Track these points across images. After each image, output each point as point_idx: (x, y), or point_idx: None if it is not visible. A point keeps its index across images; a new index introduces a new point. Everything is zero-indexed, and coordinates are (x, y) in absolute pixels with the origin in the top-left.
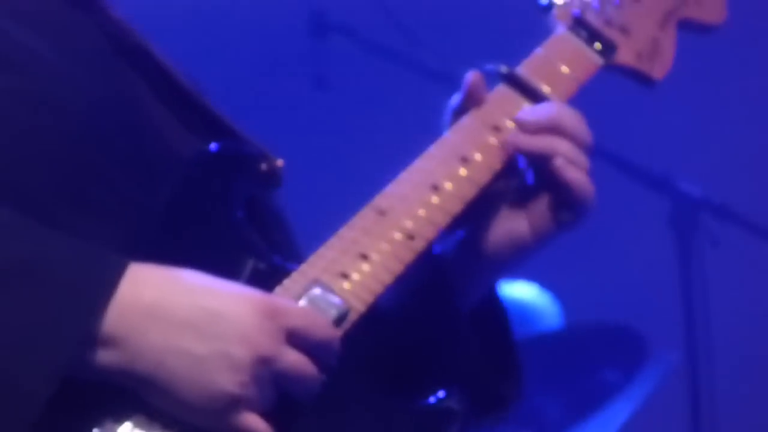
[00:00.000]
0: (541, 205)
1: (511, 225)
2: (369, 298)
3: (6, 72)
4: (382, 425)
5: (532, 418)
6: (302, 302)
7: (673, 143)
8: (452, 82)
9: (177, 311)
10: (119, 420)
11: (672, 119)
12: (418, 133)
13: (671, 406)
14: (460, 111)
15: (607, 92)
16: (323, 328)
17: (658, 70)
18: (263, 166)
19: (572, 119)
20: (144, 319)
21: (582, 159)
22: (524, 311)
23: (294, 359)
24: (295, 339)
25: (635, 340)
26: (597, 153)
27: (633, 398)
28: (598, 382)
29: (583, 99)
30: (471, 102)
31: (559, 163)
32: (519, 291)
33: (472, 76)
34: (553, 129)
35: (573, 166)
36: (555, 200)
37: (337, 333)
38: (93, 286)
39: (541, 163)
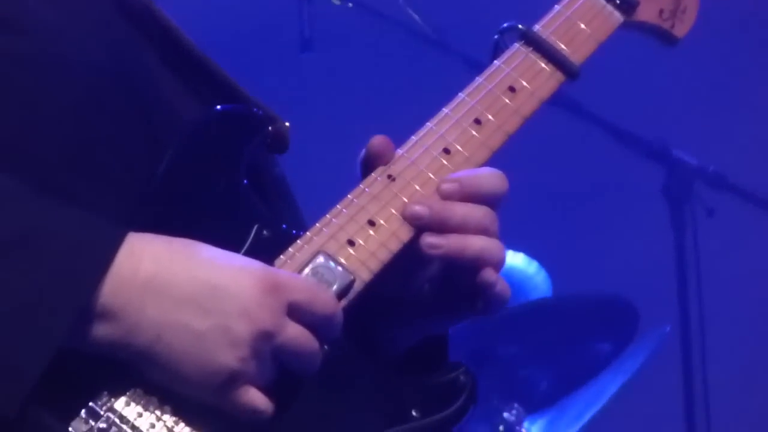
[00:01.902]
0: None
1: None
2: (376, 267)
3: (15, 34)
4: (389, 398)
5: (521, 389)
6: (306, 271)
7: (668, 111)
8: (441, 44)
9: (176, 284)
10: (116, 394)
11: (667, 87)
12: (405, 93)
13: (663, 377)
14: (367, 165)
15: (603, 59)
16: (326, 301)
17: (680, 28)
18: (270, 128)
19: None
20: (141, 293)
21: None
22: (510, 279)
23: (295, 334)
24: (297, 313)
25: (627, 311)
26: (592, 121)
27: (625, 369)
28: (589, 353)
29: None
30: (376, 163)
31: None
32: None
33: (375, 142)
34: (463, 226)
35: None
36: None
37: (339, 306)
38: (89, 258)
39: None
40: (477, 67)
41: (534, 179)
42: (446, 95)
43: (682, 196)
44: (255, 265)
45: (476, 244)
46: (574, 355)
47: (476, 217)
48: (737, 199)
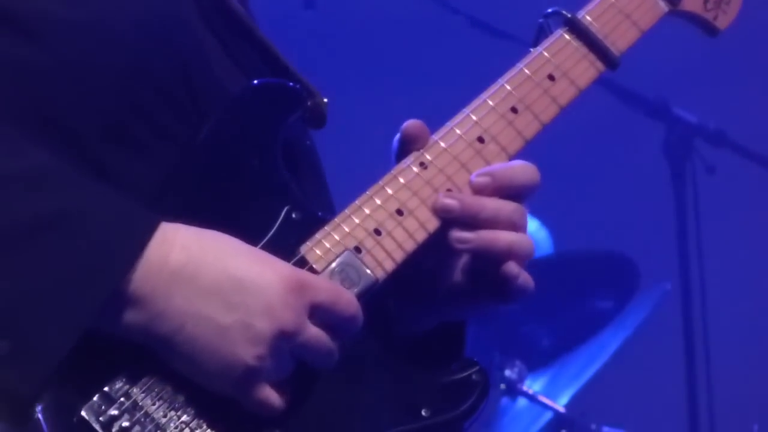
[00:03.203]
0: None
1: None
2: (400, 258)
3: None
4: (401, 396)
5: (522, 347)
6: (332, 267)
7: (669, 69)
8: (444, 2)
9: (203, 277)
10: (132, 381)
11: (667, 45)
12: (405, 51)
13: (664, 333)
14: (401, 157)
15: None
16: (348, 304)
17: (723, 20)
18: (309, 103)
19: (515, 209)
20: (169, 282)
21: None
22: None
23: (315, 334)
24: (320, 314)
25: (628, 268)
26: None
27: (625, 326)
28: (590, 311)
29: None
30: (411, 148)
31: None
32: None
33: (410, 127)
34: (495, 220)
35: (514, 263)
36: (494, 284)
37: (360, 309)
38: (122, 244)
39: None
40: (478, 26)
41: (534, 138)
42: (450, 56)
43: (683, 153)
44: (281, 264)
45: (505, 239)
46: (575, 312)
47: (506, 212)
48: (738, 157)
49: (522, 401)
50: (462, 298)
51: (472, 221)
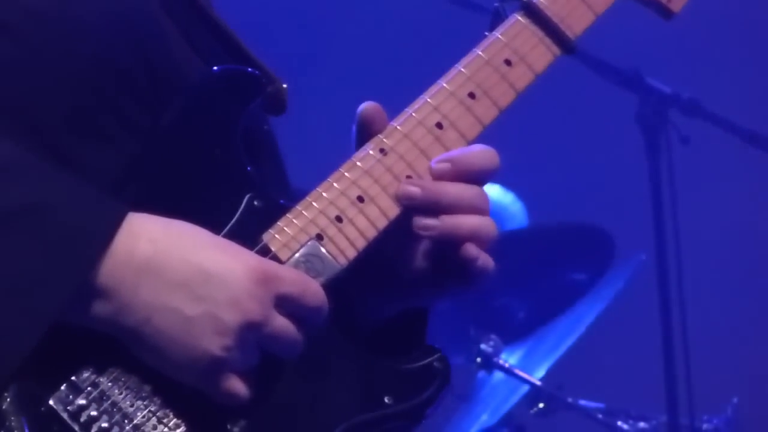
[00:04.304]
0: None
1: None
2: (361, 246)
3: None
4: (364, 383)
5: (497, 320)
6: (296, 257)
7: (642, 39)
8: None
9: (170, 268)
10: (99, 371)
11: (640, 13)
12: (370, 32)
13: (640, 305)
14: (360, 141)
15: None
16: (314, 294)
17: (677, 2)
18: (269, 89)
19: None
20: (136, 275)
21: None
22: None
23: (281, 325)
24: (286, 304)
25: (603, 240)
26: None
27: (601, 298)
28: (565, 283)
29: None
30: (369, 131)
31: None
32: None
33: (366, 110)
34: (458, 206)
35: (473, 245)
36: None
37: (326, 299)
38: (89, 237)
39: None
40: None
41: (507, 110)
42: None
43: (657, 124)
44: (248, 255)
45: (469, 223)
46: (550, 284)
47: (468, 196)
48: (712, 127)
49: (498, 375)
50: (424, 283)
51: (434, 207)
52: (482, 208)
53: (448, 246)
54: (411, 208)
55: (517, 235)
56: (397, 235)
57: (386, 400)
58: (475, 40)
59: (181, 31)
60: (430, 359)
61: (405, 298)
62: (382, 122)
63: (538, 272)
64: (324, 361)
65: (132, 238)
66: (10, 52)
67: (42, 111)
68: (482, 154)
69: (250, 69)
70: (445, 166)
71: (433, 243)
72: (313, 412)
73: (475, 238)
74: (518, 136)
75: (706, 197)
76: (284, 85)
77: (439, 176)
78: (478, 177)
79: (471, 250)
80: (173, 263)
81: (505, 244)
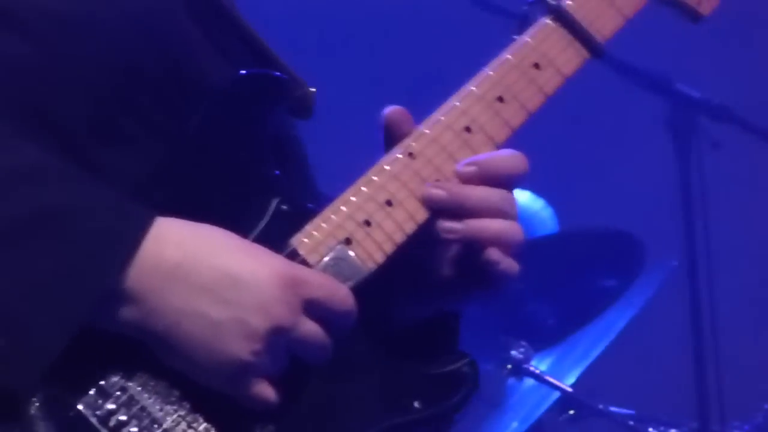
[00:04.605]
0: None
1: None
2: (390, 249)
3: None
4: (393, 387)
5: (528, 327)
6: (326, 261)
7: (672, 44)
8: None
9: (198, 274)
10: (128, 376)
11: (670, 18)
12: (398, 39)
13: (671, 312)
14: (388, 145)
15: None
16: (343, 299)
17: (707, 5)
18: (296, 93)
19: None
20: (164, 279)
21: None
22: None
23: (310, 330)
24: (314, 309)
25: (633, 246)
26: None
27: (632, 305)
28: (595, 289)
29: None
30: (395, 135)
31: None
32: None
33: (391, 113)
34: (483, 210)
35: (497, 249)
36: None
37: (354, 304)
38: (117, 242)
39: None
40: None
41: (538, 116)
42: (439, 42)
43: (687, 129)
44: (276, 259)
45: (494, 227)
46: (580, 291)
47: (494, 200)
48: (743, 132)
49: (528, 381)
50: (450, 288)
51: (459, 210)
52: (508, 212)
53: (473, 249)
54: (436, 210)
55: (548, 241)
56: (425, 239)
57: (416, 404)
58: (501, 44)
59: (206, 35)
60: (459, 364)
61: (432, 302)
62: (409, 126)
63: (568, 279)
64: (353, 365)
65: (160, 242)
66: (32, 54)
67: (65, 115)
68: (509, 158)
69: (277, 73)
70: (472, 169)
71: (460, 247)
72: (341, 416)
73: (499, 242)
74: (549, 142)
75: (736, 203)
76: (312, 89)
77: (465, 179)
78: (505, 181)
79: (494, 253)
80: (201, 268)
81: (536, 250)
